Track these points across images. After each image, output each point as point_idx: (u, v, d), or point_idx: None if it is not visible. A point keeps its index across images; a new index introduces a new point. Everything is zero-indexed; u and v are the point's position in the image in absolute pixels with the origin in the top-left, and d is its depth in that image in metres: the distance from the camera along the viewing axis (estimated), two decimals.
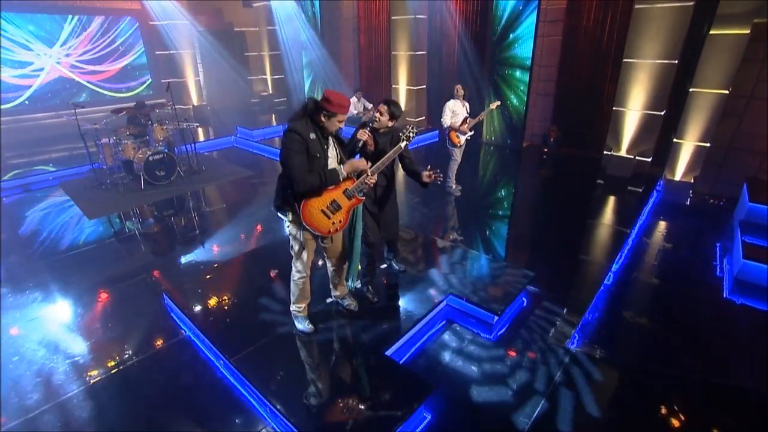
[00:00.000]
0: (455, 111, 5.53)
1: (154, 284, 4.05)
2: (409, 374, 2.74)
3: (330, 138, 2.69)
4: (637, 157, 6.79)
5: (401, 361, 3.00)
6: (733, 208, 5.72)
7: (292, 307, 3.12)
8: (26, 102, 9.72)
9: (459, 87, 5.51)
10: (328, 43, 11.85)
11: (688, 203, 6.29)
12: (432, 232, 4.95)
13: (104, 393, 2.83)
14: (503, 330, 3.38)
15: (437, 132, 9.00)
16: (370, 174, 2.69)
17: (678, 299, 4.06)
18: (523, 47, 7.50)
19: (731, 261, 4.54)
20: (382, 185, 3.28)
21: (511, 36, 7.60)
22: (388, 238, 3.63)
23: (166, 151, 6.57)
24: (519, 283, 3.72)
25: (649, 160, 6.79)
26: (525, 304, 3.75)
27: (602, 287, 4.01)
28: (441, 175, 3.14)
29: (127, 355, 3.15)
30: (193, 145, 7.37)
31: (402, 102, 10.20)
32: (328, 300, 3.41)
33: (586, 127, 7.73)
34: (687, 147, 6.22)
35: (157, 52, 11.14)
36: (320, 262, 3.84)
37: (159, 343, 3.30)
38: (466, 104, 5.66)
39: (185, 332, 3.40)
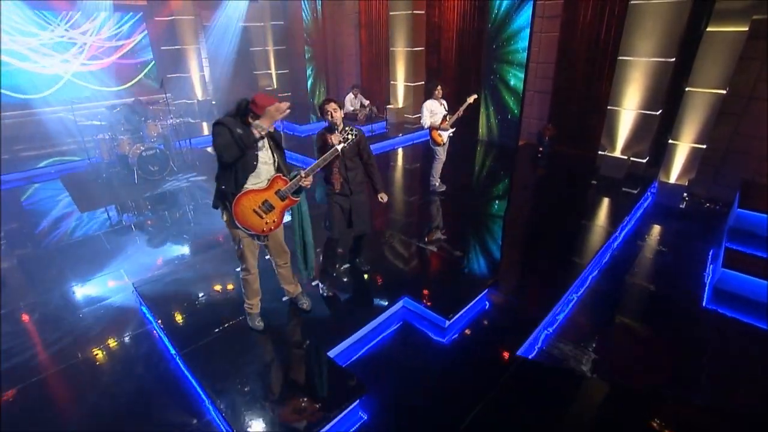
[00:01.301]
0: (433, 110, 5.52)
1: (128, 276, 4.19)
2: (345, 375, 2.77)
3: (266, 140, 2.72)
4: (631, 158, 6.60)
5: (347, 362, 3.04)
6: (729, 213, 5.52)
7: (245, 304, 3.19)
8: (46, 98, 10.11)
9: (439, 87, 5.48)
10: (330, 39, 11.88)
11: (682, 207, 6.11)
12: (404, 231, 4.94)
13: (63, 378, 2.96)
14: (457, 334, 3.37)
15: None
16: (303, 176, 2.72)
17: (654, 306, 3.99)
18: (519, 43, 7.34)
19: (715, 269, 4.40)
20: (350, 180, 3.33)
21: (506, 31, 7.44)
22: (358, 233, 3.66)
23: (160, 147, 6.74)
24: (479, 286, 3.70)
25: (644, 161, 6.59)
26: (486, 308, 3.73)
27: (573, 290, 3.95)
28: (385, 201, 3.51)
29: (91, 344, 3.28)
30: (188, 140, 7.53)
31: (400, 98, 10.17)
32: (284, 298, 3.47)
33: (581, 126, 7.55)
34: (682, 148, 6.01)
35: (162, 48, 11.36)
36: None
37: (124, 333, 3.42)
38: (444, 103, 5.63)
39: (150, 324, 3.52)
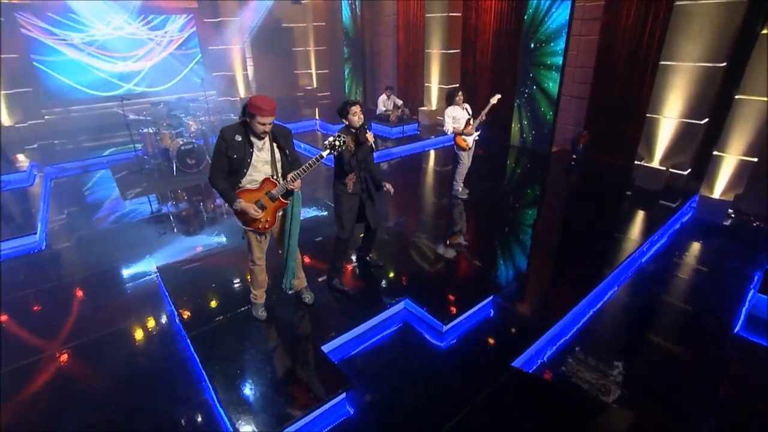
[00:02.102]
0: (455, 117, 5.47)
1: (156, 261, 4.50)
2: (334, 369, 2.85)
3: (268, 140, 2.84)
4: (671, 170, 6.21)
5: (342, 357, 3.12)
6: None
7: (251, 294, 3.35)
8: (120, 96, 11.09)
9: (460, 93, 5.42)
10: (369, 40, 12.05)
11: (726, 224, 5.66)
12: (419, 234, 4.95)
13: (92, 346, 3.28)
14: (455, 339, 3.35)
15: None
16: (290, 180, 2.81)
17: (678, 328, 3.74)
18: (556, 46, 7.11)
19: (755, 293, 4.07)
20: (364, 180, 3.49)
21: (543, 34, 7.23)
22: (375, 226, 3.75)
23: (199, 141, 7.16)
24: (484, 294, 3.65)
25: (685, 173, 6.18)
26: (491, 316, 3.68)
27: (588, 305, 3.80)
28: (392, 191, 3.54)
29: (119, 319, 3.59)
30: None
31: (433, 101, 10.13)
32: (289, 291, 3.60)
33: (618, 134, 7.19)
34: (729, 161, 5.58)
35: (209, 47, 12.01)
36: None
37: (147, 312, 3.70)
38: (467, 107, 5.56)
39: (169, 306, 3.77)
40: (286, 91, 13.71)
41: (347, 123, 3.34)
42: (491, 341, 3.36)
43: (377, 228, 3.80)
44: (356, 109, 3.28)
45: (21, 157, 8.19)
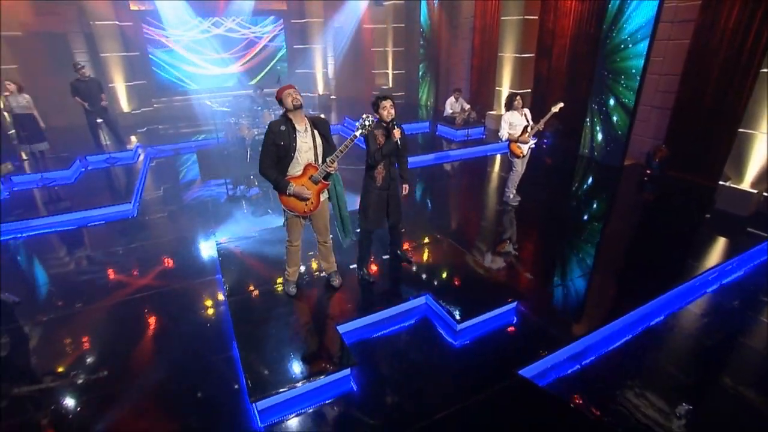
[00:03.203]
0: (512, 123, 5.37)
1: (218, 236, 5.10)
2: (344, 348, 3.07)
3: (309, 127, 3.13)
4: (764, 193, 5.45)
5: (356, 339, 3.32)
6: None
7: (285, 271, 3.70)
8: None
9: (518, 98, 5.31)
10: (445, 41, 12.08)
11: None
12: (457, 235, 4.98)
13: (154, 298, 3.90)
14: (469, 340, 3.37)
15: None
16: (328, 162, 3.07)
17: (710, 378, 3.19)
18: (636, 51, 6.58)
19: None
20: (392, 175, 3.61)
21: (622, 38, 6.74)
22: (392, 224, 3.90)
23: None
24: (505, 299, 3.61)
25: None
26: (514, 322, 3.62)
27: (624, 330, 3.55)
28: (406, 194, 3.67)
29: (179, 278, 4.21)
30: None
31: (503, 105, 9.86)
32: (322, 274, 3.90)
33: (702, 150, 6.44)
34: None
35: (294, 46, 12.97)
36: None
37: (202, 277, 4.27)
38: (527, 113, 5.41)
39: (218, 274, 4.29)
40: (363, 90, 14.28)
41: (378, 117, 3.50)
42: (506, 347, 3.32)
43: (397, 224, 3.92)
44: (386, 103, 3.39)
45: (133, 138, 9.66)
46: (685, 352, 3.45)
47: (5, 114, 7.75)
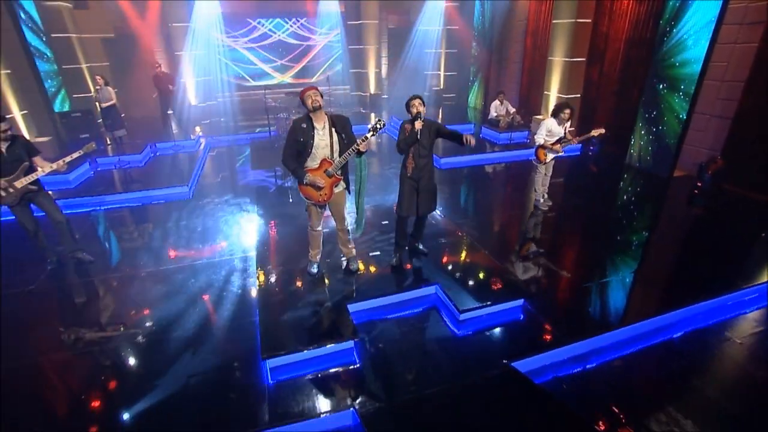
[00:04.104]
0: (551, 131, 5.40)
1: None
2: (350, 323, 3.36)
3: (327, 124, 3.44)
4: None
5: (365, 319, 3.60)
6: None
7: (309, 253, 4.07)
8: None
9: (568, 111, 5.28)
10: (497, 44, 11.99)
11: None
12: (478, 234, 5.09)
13: (199, 267, 4.46)
14: (472, 331, 3.52)
15: (580, 146, 8.45)
16: (341, 159, 3.39)
17: (720, 406, 3.07)
18: (693, 55, 6.23)
19: None
20: (420, 167, 3.86)
21: (679, 41, 6.40)
22: (422, 213, 4.11)
23: None
24: (511, 296, 3.73)
25: None
26: (520, 319, 3.71)
27: (638, 339, 3.52)
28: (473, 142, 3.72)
29: (218, 253, 4.73)
30: None
31: (550, 110, 9.66)
32: (342, 258, 4.22)
33: (764, 164, 5.97)
34: None
35: (349, 47, 13.50)
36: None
37: (240, 254, 4.76)
38: (567, 125, 5.41)
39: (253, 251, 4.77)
40: (415, 91, 14.47)
41: (413, 115, 3.80)
42: (506, 340, 3.44)
43: (424, 216, 4.15)
44: (415, 102, 3.76)
45: (197, 129, 10.65)
46: (710, 372, 3.30)
47: (96, 104, 8.94)
